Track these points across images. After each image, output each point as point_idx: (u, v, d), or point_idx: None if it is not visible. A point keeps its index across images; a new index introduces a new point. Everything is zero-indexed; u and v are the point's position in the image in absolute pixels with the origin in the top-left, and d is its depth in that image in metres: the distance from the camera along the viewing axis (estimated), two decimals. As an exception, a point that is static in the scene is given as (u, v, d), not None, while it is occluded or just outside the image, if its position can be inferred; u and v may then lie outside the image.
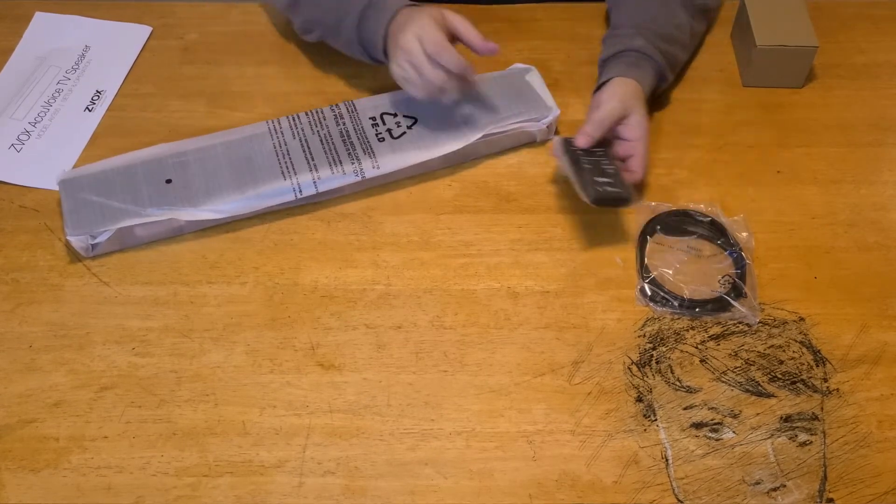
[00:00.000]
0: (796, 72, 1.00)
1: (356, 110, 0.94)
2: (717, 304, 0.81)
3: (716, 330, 0.80)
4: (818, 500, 0.71)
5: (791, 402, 0.76)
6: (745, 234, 0.86)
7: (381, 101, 0.94)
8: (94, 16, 1.09)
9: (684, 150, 0.95)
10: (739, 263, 0.84)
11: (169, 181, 0.87)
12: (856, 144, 0.96)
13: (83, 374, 0.78)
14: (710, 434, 0.74)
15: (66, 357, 0.79)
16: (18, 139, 0.96)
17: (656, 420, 0.75)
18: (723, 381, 0.77)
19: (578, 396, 0.77)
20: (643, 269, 0.84)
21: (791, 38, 0.98)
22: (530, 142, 0.95)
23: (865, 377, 0.78)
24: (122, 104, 1.00)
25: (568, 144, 0.86)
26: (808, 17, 0.99)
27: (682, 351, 0.79)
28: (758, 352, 0.78)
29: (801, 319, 0.81)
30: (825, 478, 0.72)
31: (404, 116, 0.93)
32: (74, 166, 0.93)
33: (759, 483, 0.72)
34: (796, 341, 0.79)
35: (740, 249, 0.85)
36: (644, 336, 0.80)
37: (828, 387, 0.77)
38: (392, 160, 0.89)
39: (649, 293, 0.82)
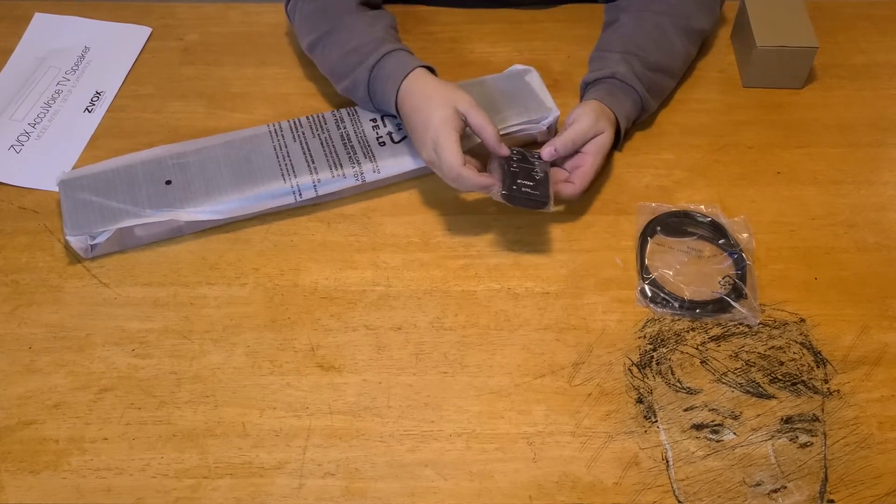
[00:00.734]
0: (796, 72, 1.00)
1: (357, 114, 0.93)
2: (718, 306, 0.81)
3: (716, 331, 0.80)
4: (819, 502, 0.71)
5: (792, 404, 0.76)
6: (745, 235, 0.86)
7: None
8: (94, 17, 1.09)
9: (684, 150, 0.95)
10: (740, 264, 0.84)
11: (169, 182, 0.87)
12: (856, 145, 0.96)
13: (83, 375, 0.78)
14: (710, 435, 0.74)
15: (65, 358, 0.79)
16: (18, 140, 0.96)
17: (657, 421, 0.75)
18: (723, 383, 0.77)
19: (579, 398, 0.77)
20: (643, 270, 0.84)
21: (791, 38, 0.98)
22: (530, 143, 0.95)
23: (866, 378, 0.78)
24: (121, 105, 1.00)
25: (511, 152, 0.86)
26: (808, 18, 0.99)
27: (682, 352, 0.79)
28: (758, 353, 0.78)
29: (802, 320, 0.81)
30: (826, 479, 0.72)
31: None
32: (74, 167, 0.93)
33: (759, 484, 0.71)
34: (797, 342, 0.79)
35: (741, 250, 0.85)
36: (644, 337, 0.80)
37: (828, 388, 0.77)
38: (393, 164, 0.89)
39: (650, 294, 0.82)
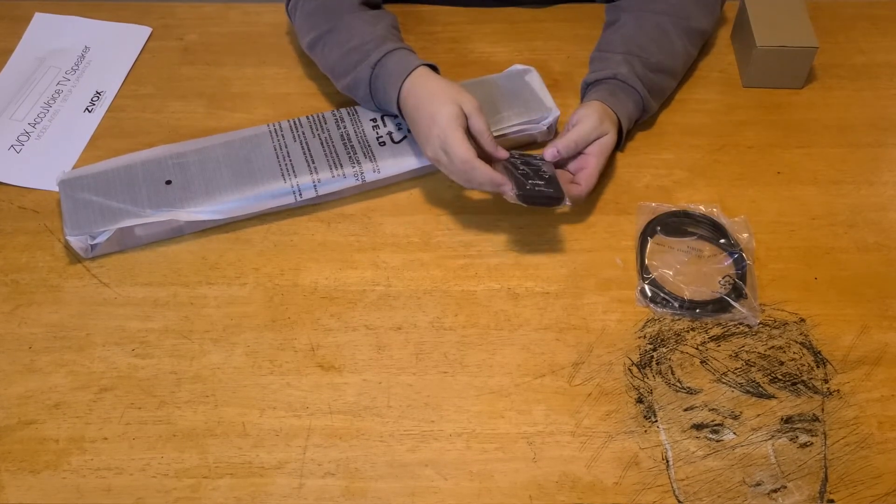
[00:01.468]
0: (796, 72, 1.00)
1: (357, 113, 0.93)
2: (718, 305, 0.81)
3: (716, 331, 0.80)
4: (819, 502, 0.71)
5: (792, 404, 0.76)
6: (745, 235, 0.86)
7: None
8: (94, 17, 1.09)
9: (684, 150, 0.95)
10: (740, 264, 0.84)
11: (169, 182, 0.87)
12: (856, 145, 0.96)
13: (83, 375, 0.78)
14: (710, 435, 0.74)
15: (65, 358, 0.79)
16: (18, 140, 0.96)
17: (657, 421, 0.75)
18: (723, 383, 0.77)
19: (579, 398, 0.77)
20: (643, 270, 0.84)
21: (791, 38, 0.98)
22: (531, 143, 0.95)
23: (866, 378, 0.78)
24: (121, 105, 1.00)
25: (510, 156, 0.86)
26: (807, 18, 0.99)
27: (682, 352, 0.79)
28: (758, 353, 0.78)
29: (802, 320, 0.81)
30: (826, 479, 0.72)
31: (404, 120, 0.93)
32: (74, 167, 0.93)
33: (759, 484, 0.71)
34: (797, 342, 0.79)
35: (741, 250, 0.85)
36: (644, 337, 0.80)
37: (828, 388, 0.77)
38: (393, 164, 0.89)
39: (650, 294, 0.82)
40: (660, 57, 0.94)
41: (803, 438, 0.74)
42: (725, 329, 0.80)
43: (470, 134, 0.83)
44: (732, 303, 0.81)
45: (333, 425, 0.75)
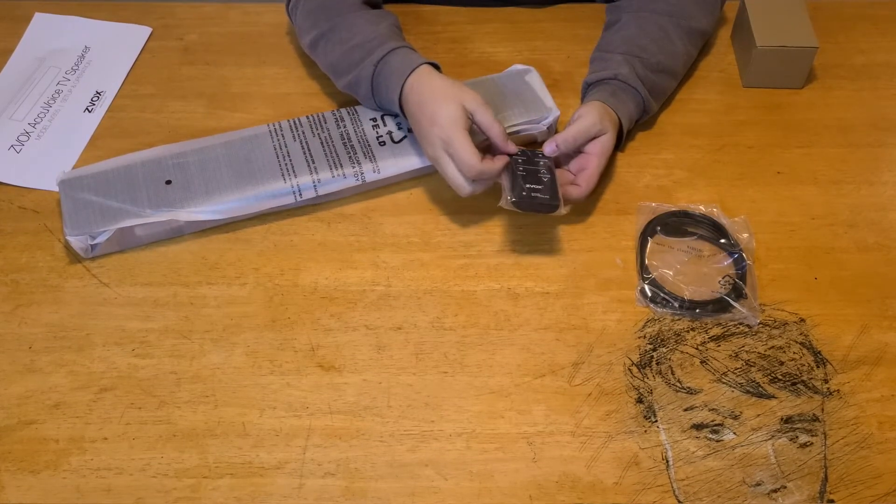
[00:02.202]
0: (796, 72, 1.00)
1: (357, 113, 0.93)
2: (718, 305, 0.81)
3: (716, 331, 0.80)
4: (819, 502, 0.71)
5: (792, 404, 0.76)
6: (745, 235, 0.86)
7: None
8: (94, 17, 1.09)
9: (684, 150, 0.95)
10: (740, 264, 0.84)
11: (169, 182, 0.87)
12: (856, 145, 0.96)
13: (83, 375, 0.78)
14: (710, 435, 0.74)
15: (65, 358, 0.79)
16: (18, 140, 0.96)
17: (657, 421, 0.75)
18: (723, 383, 0.77)
19: (579, 398, 0.77)
20: (643, 270, 0.84)
21: (791, 38, 0.98)
22: (531, 143, 0.95)
23: (866, 378, 0.78)
24: (121, 105, 1.00)
25: (511, 154, 0.86)
26: (808, 18, 0.99)
27: (682, 352, 0.79)
28: (758, 353, 0.78)
29: (802, 320, 0.81)
30: (826, 479, 0.72)
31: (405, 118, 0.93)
32: (74, 167, 0.93)
33: (759, 484, 0.71)
34: (797, 342, 0.79)
35: (741, 250, 0.85)
36: (644, 337, 0.80)
37: (828, 388, 0.77)
38: (393, 164, 0.89)
39: (649, 294, 0.82)
40: (660, 57, 0.94)
41: (803, 438, 0.74)
42: (725, 329, 0.80)
43: (473, 131, 0.83)
44: (732, 303, 0.81)
45: (333, 425, 0.75)
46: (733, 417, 0.75)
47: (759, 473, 0.72)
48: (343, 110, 0.94)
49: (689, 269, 0.85)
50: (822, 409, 0.75)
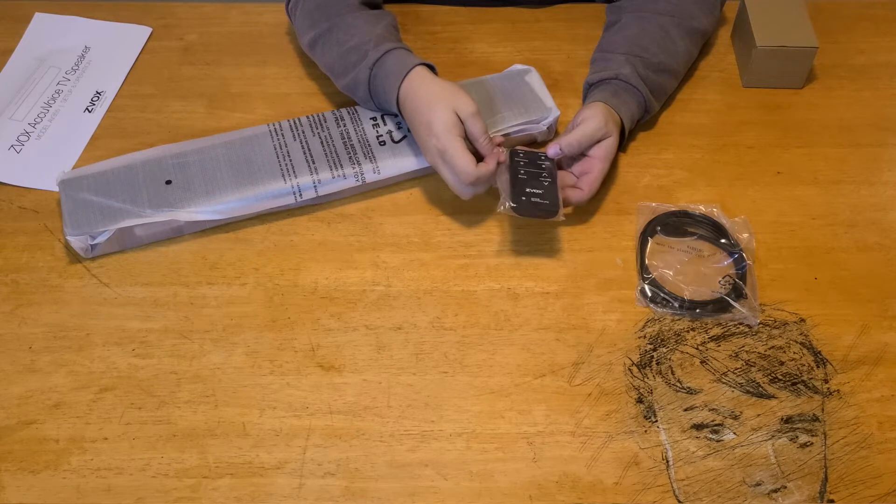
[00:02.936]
0: (796, 72, 1.00)
1: (357, 113, 0.93)
2: (718, 305, 0.81)
3: (716, 331, 0.80)
4: (819, 502, 0.71)
5: (792, 404, 0.76)
6: (745, 235, 0.86)
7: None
8: (94, 17, 1.09)
9: (684, 150, 0.95)
10: (740, 264, 0.84)
11: (169, 182, 0.87)
12: (856, 145, 0.96)
13: (83, 375, 0.78)
14: (710, 435, 0.74)
15: (65, 358, 0.79)
16: (18, 140, 0.96)
17: (657, 421, 0.75)
18: (723, 383, 0.77)
19: (579, 398, 0.77)
20: (643, 270, 0.84)
21: (791, 38, 0.97)
22: (531, 143, 0.95)
23: (866, 378, 0.78)
24: (121, 105, 1.00)
25: (514, 154, 0.86)
26: (808, 18, 0.99)
27: (682, 352, 0.79)
28: (758, 353, 0.78)
29: (802, 320, 0.81)
30: (826, 479, 0.72)
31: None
32: (74, 167, 0.93)
33: (759, 484, 0.71)
34: (797, 342, 0.79)
35: (741, 250, 0.85)
36: (644, 337, 0.80)
37: (828, 388, 0.77)
38: (393, 164, 0.89)
39: (650, 294, 0.82)
40: (662, 57, 0.94)
41: (803, 438, 0.74)
42: (725, 329, 0.80)
43: (468, 138, 0.83)
44: (732, 303, 0.81)
45: (333, 425, 0.75)
46: (733, 417, 0.75)
47: (759, 473, 0.72)
48: (343, 110, 0.94)
49: (689, 269, 0.85)
50: (823, 409, 0.75)
